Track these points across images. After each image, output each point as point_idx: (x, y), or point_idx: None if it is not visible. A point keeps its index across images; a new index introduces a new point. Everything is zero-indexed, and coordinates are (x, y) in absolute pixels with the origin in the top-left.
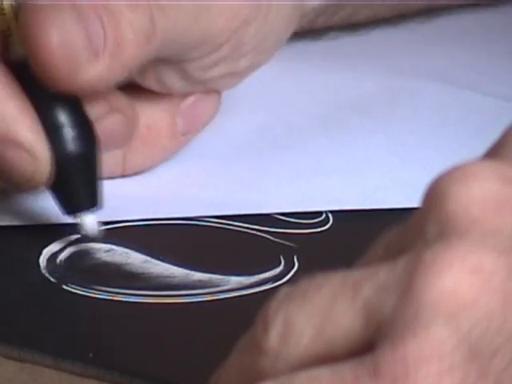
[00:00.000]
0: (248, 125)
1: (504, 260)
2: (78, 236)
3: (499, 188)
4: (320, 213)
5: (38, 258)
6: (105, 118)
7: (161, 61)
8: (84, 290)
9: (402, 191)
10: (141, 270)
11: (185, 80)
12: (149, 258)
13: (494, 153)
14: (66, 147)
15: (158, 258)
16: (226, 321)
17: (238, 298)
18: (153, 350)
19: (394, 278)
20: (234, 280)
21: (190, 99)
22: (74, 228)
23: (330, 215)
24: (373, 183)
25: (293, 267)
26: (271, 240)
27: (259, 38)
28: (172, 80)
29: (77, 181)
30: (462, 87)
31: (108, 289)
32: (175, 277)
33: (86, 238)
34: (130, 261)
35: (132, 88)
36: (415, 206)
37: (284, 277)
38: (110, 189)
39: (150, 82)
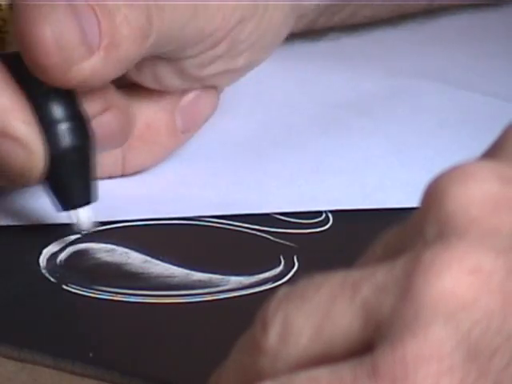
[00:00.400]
0: (248, 125)
1: (503, 260)
2: (78, 236)
3: (498, 188)
4: (320, 213)
5: (38, 258)
6: (100, 116)
7: (157, 58)
8: (84, 289)
9: (401, 191)
10: (141, 270)
11: (182, 77)
12: (149, 258)
13: (492, 153)
14: (60, 142)
15: (158, 258)
16: (225, 321)
17: (237, 298)
18: (153, 350)
19: (393, 279)
20: (234, 280)
21: (189, 96)
22: (74, 228)
23: (329, 215)
24: (373, 183)
25: (293, 267)
26: (271, 240)
27: (256, 35)
28: (169, 77)
29: (71, 176)
30: (461, 87)
31: (108, 289)
32: (175, 277)
33: (81, 233)
34: (129, 261)
35: (130, 87)
36: (415, 205)
37: (284, 277)
38: (110, 188)
39: (147, 80)
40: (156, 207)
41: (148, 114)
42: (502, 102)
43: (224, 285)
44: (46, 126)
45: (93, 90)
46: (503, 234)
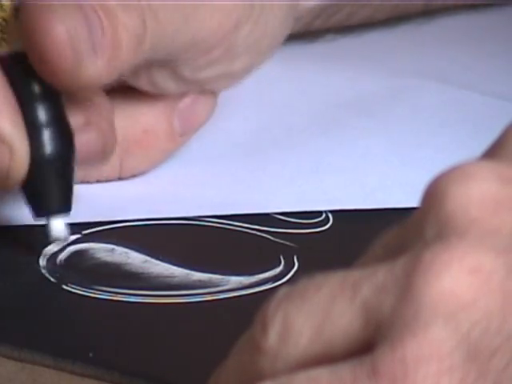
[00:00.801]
0: (248, 125)
1: (503, 260)
2: (79, 236)
3: (498, 188)
4: (320, 213)
5: (38, 258)
6: (81, 131)
7: (153, 63)
8: (84, 290)
9: (401, 191)
10: (141, 270)
11: (178, 81)
12: (149, 258)
13: (492, 152)
14: (43, 148)
15: (157, 258)
16: (225, 321)
17: (237, 298)
18: (153, 350)
19: (392, 279)
20: (234, 280)
21: (187, 100)
22: (74, 228)
23: (330, 215)
24: (373, 183)
25: (293, 267)
26: (271, 240)
27: (253, 39)
28: (165, 81)
29: (49, 183)
30: (461, 87)
31: (108, 289)
32: (175, 277)
33: (54, 242)
34: (129, 261)
35: (128, 92)
36: (415, 205)
37: (284, 277)
38: (110, 189)
39: (143, 84)
40: (156, 207)
41: (146, 118)
42: (502, 101)
43: (224, 285)
44: (31, 130)
45: (76, 104)
46: (503, 234)
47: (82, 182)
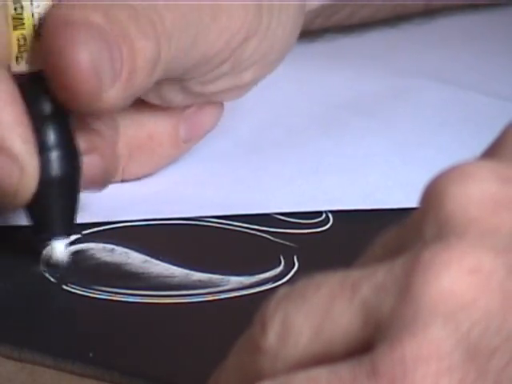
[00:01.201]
0: (248, 125)
1: (502, 260)
2: (79, 236)
3: (497, 188)
4: (320, 213)
5: (38, 258)
6: (84, 156)
7: (162, 80)
8: (84, 289)
9: (402, 191)
10: (141, 270)
11: (185, 94)
12: (149, 258)
13: (492, 152)
14: (51, 169)
15: (157, 258)
16: (226, 321)
17: (238, 298)
18: (153, 350)
19: (392, 278)
20: (234, 280)
21: (193, 107)
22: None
23: (330, 215)
24: (373, 183)
25: (293, 267)
26: (271, 240)
27: (260, 52)
28: (173, 95)
29: (55, 204)
30: (462, 87)
31: (108, 289)
32: (175, 277)
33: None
34: (130, 261)
35: None
36: (415, 206)
37: (284, 277)
38: (110, 189)
39: (152, 97)
40: (156, 207)
41: (151, 123)
42: (503, 101)
43: (224, 285)
44: (40, 150)
45: (81, 128)
46: (503, 233)
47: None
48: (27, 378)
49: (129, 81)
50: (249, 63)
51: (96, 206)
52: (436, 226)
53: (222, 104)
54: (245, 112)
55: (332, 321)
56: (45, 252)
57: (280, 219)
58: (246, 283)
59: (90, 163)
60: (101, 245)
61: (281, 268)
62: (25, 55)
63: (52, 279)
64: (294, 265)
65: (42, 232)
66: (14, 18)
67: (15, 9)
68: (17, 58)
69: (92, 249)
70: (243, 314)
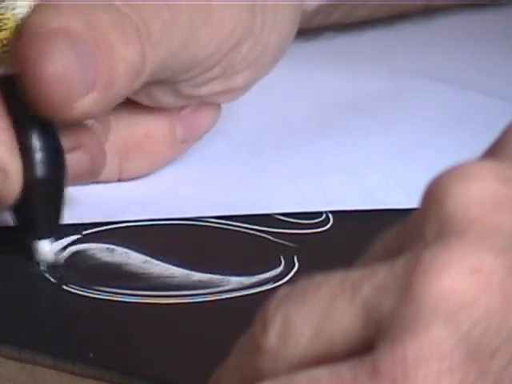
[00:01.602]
0: (248, 125)
1: (503, 259)
2: (79, 236)
3: (498, 188)
4: (320, 213)
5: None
6: (69, 153)
7: (152, 81)
8: (84, 290)
9: (402, 191)
10: (141, 270)
11: (177, 96)
12: (149, 258)
13: (492, 152)
14: (35, 171)
15: (158, 258)
16: (226, 321)
17: (238, 299)
18: (153, 350)
19: (393, 278)
20: (235, 280)
21: (190, 107)
22: (74, 228)
23: (330, 215)
24: (373, 183)
25: (293, 267)
26: (271, 240)
27: (253, 56)
28: (164, 96)
29: (39, 207)
30: (462, 87)
31: (108, 289)
32: (175, 277)
33: (41, 264)
34: (130, 261)
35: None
36: (416, 206)
37: (284, 277)
38: (110, 189)
39: (142, 99)
40: (156, 208)
41: (148, 123)
42: (503, 101)
43: (224, 285)
44: (24, 153)
45: (67, 125)
46: (503, 233)
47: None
48: (27, 378)
49: (106, 89)
50: (241, 66)
51: (96, 206)
52: (437, 225)
53: (219, 105)
54: (244, 112)
55: (333, 321)
56: (32, 252)
57: (280, 219)
58: (246, 283)
59: (75, 160)
60: (101, 245)
61: (281, 268)
62: (6, 57)
63: (52, 279)
64: (294, 265)
65: (27, 233)
66: None
67: None
68: None
69: (92, 249)
70: (243, 314)
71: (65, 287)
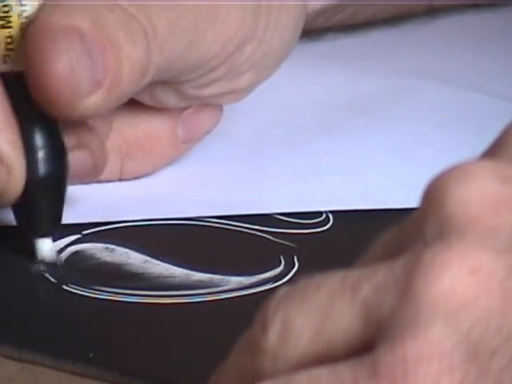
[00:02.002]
0: (248, 125)
1: (503, 259)
2: (78, 236)
3: (498, 187)
4: (320, 213)
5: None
6: (71, 152)
7: (155, 82)
8: (84, 290)
9: (402, 191)
10: (141, 270)
11: (180, 97)
12: (149, 258)
13: (492, 152)
14: (38, 169)
15: (158, 258)
16: (226, 321)
17: (238, 298)
18: (153, 350)
19: (392, 278)
20: (235, 280)
21: (192, 108)
22: (74, 228)
23: (330, 215)
24: (373, 183)
25: (293, 267)
26: (271, 240)
27: (257, 57)
28: (168, 97)
29: (42, 204)
30: (462, 87)
31: (108, 289)
32: (175, 277)
33: (42, 263)
34: (130, 261)
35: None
36: (415, 206)
37: (284, 277)
38: (110, 189)
39: (146, 99)
40: (156, 208)
41: (150, 123)
42: (503, 101)
43: (224, 285)
44: (27, 150)
45: (69, 125)
46: (503, 233)
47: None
48: (27, 378)
49: (112, 88)
50: (245, 68)
51: (96, 206)
52: (437, 225)
53: (221, 106)
54: (245, 112)
55: (332, 321)
56: (32, 250)
57: (280, 219)
58: (246, 283)
59: (78, 159)
60: (101, 245)
61: (281, 268)
62: (12, 54)
63: (52, 279)
64: (294, 265)
65: (28, 231)
66: (0, 18)
67: (2, 8)
68: (4, 57)
69: (92, 249)
70: (243, 314)
71: (65, 287)
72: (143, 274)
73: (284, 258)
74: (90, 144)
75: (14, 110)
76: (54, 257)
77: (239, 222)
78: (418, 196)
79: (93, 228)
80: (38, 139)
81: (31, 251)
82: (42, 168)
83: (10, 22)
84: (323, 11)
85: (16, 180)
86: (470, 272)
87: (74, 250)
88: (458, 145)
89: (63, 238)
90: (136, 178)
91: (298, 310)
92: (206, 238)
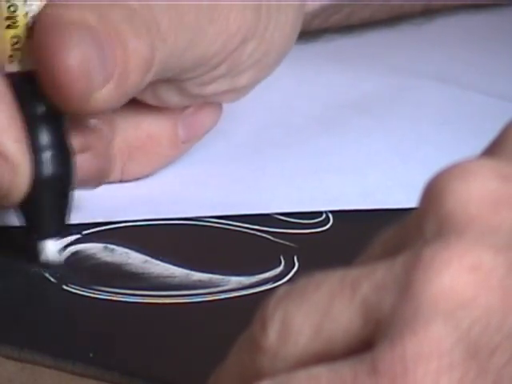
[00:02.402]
0: (248, 125)
1: (503, 257)
2: (78, 236)
3: (497, 186)
4: (320, 213)
5: (38, 258)
6: (77, 155)
7: (158, 79)
8: (84, 290)
9: (402, 191)
10: (141, 270)
11: (182, 95)
12: (149, 258)
13: (492, 150)
14: (44, 169)
15: (157, 258)
16: (226, 321)
17: (238, 298)
18: (153, 350)
19: (392, 276)
20: (234, 280)
21: (192, 108)
22: (74, 228)
23: (330, 215)
24: (373, 183)
25: (293, 267)
26: (271, 240)
27: (258, 55)
28: (169, 95)
29: (47, 205)
30: (461, 87)
31: (108, 289)
32: (175, 277)
33: (47, 264)
34: (130, 261)
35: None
36: (415, 205)
37: (284, 277)
38: (110, 190)
39: (148, 98)
40: (156, 208)
41: (150, 124)
42: (503, 101)
43: (224, 285)
44: (33, 150)
45: (76, 127)
46: (503, 231)
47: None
48: (27, 378)
49: (121, 82)
50: (246, 65)
51: (96, 206)
52: (436, 223)
53: (220, 104)
54: (245, 112)
55: (332, 319)
56: (37, 251)
57: (280, 219)
58: (246, 283)
59: (83, 162)
60: (101, 245)
61: (281, 268)
62: (18, 55)
63: (52, 279)
64: (294, 265)
65: (34, 232)
66: (7, 18)
67: (9, 8)
68: (10, 57)
69: (92, 249)
70: (243, 313)
71: (65, 287)
72: (143, 273)
73: (284, 258)
74: (96, 147)
75: (21, 110)
76: (58, 259)
77: (239, 221)
78: (418, 196)
79: (93, 228)
80: (45, 139)
81: (34, 252)
82: (48, 168)
83: (16, 21)
84: (320, 11)
85: (22, 179)
86: (469, 270)
87: (74, 250)
88: (458, 144)
89: (63, 238)
90: (136, 179)
91: (297, 308)
92: (206, 238)
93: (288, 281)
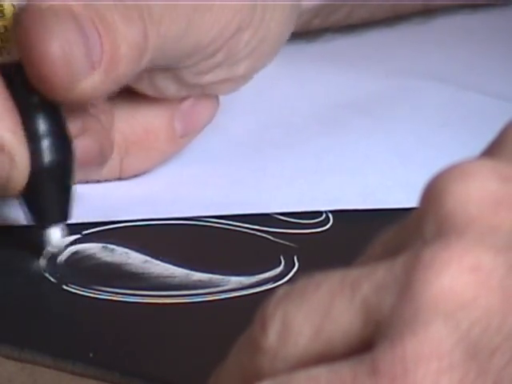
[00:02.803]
0: (248, 125)
1: (502, 258)
2: (79, 236)
3: (497, 186)
4: (320, 213)
5: (38, 258)
6: (77, 138)
7: (154, 68)
8: (84, 290)
9: (402, 191)
10: (141, 270)
11: (179, 85)
12: (149, 258)
13: (492, 151)
14: (43, 157)
15: (157, 258)
16: (226, 321)
17: (238, 298)
18: (153, 350)
19: (392, 277)
20: (235, 280)
21: (189, 102)
22: (74, 228)
23: (330, 215)
24: (373, 183)
25: (293, 267)
26: (271, 240)
27: (255, 43)
28: (167, 85)
29: (49, 193)
30: (461, 87)
31: (108, 289)
32: (175, 277)
33: (51, 251)
34: (130, 261)
35: (129, 92)
36: (415, 205)
37: (284, 277)
38: (109, 189)
39: (145, 88)
40: (156, 207)
41: (147, 119)
42: (503, 101)
43: (224, 285)
44: (31, 140)
45: (73, 111)
46: (503, 231)
47: (82, 182)
48: (27, 378)
49: (110, 68)
50: (243, 54)
51: (96, 205)
52: (436, 224)
53: (217, 99)
54: (244, 112)
55: (332, 320)
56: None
57: (280, 219)
58: (246, 283)
59: (84, 144)
60: (101, 245)
61: (281, 268)
62: (7, 45)
63: (52, 279)
64: (294, 265)
65: (37, 220)
66: None
67: None
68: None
69: (92, 249)
70: (243, 313)
71: (65, 287)
72: (143, 273)
73: (284, 258)
74: (94, 130)
75: (15, 99)
76: (63, 247)
77: (239, 221)
78: (418, 196)
79: (93, 228)
80: (42, 128)
81: (38, 242)
82: (47, 156)
83: (3, 13)
84: (319, 11)
85: (20, 169)
86: (469, 271)
87: (74, 250)
88: (458, 145)
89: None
90: (135, 176)
91: (297, 309)
92: (206, 237)
93: (288, 281)
